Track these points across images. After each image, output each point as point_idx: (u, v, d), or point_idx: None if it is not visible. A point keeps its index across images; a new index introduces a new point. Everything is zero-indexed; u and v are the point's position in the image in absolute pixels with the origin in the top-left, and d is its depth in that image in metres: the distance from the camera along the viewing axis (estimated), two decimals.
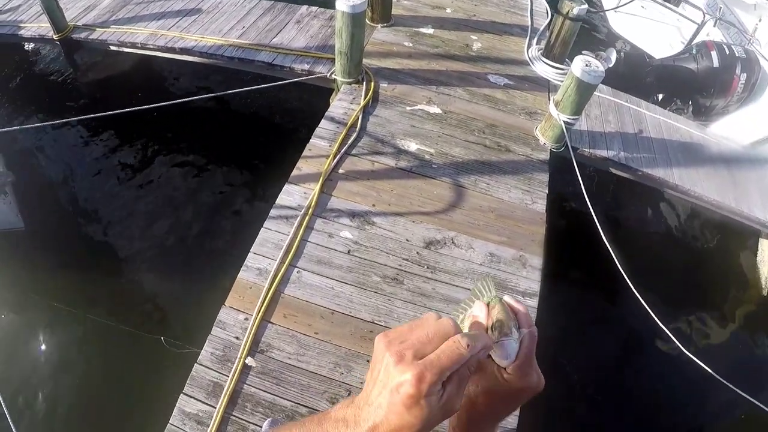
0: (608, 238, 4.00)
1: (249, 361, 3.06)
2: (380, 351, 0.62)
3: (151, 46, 5.96)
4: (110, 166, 5.83)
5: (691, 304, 5.31)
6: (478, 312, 0.74)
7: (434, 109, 4.88)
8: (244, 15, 6.29)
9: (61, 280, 4.48)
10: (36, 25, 6.57)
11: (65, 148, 6.06)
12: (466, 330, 0.70)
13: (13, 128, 5.39)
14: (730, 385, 3.63)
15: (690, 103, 6.83)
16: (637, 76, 7.30)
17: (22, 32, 6.70)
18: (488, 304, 0.74)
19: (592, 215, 4.11)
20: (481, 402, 0.74)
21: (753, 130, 6.19)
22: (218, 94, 5.27)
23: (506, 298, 0.75)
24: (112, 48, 6.27)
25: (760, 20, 7.54)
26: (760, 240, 5.66)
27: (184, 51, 5.83)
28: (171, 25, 6.16)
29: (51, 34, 6.24)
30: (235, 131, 6.22)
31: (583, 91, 4.29)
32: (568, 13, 5.15)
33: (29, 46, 7.36)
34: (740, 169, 5.48)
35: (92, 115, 4.83)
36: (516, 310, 0.73)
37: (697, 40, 7.24)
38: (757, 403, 3.61)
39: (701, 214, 5.80)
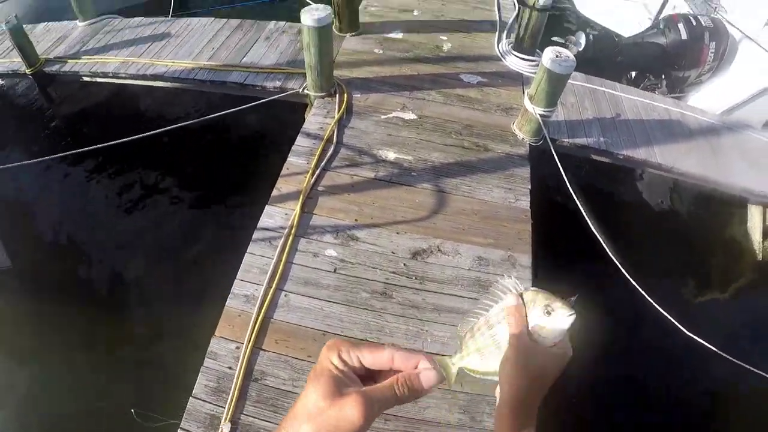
0: (596, 225, 4.01)
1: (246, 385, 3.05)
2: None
3: (123, 75, 5.90)
4: (90, 199, 5.80)
5: (687, 281, 5.35)
6: (511, 303, 0.79)
7: (409, 116, 4.87)
8: (213, 35, 6.23)
9: (46, 317, 4.45)
10: (8, 61, 6.53)
11: (46, 185, 6.01)
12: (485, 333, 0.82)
13: None
14: (734, 360, 3.64)
15: (663, 77, 6.90)
16: (608, 56, 7.33)
17: None
18: (521, 295, 0.80)
19: (577, 204, 4.11)
20: (530, 382, 0.76)
21: (727, 97, 6.30)
22: (191, 122, 5.19)
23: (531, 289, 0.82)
24: (85, 79, 6.23)
25: None
26: (749, 207, 5.71)
27: (155, 77, 5.78)
28: (142, 52, 6.11)
29: (23, 69, 6.17)
30: (212, 155, 6.15)
31: (556, 81, 4.28)
32: (534, 4, 5.15)
33: (2, 82, 7.28)
34: (719, 140, 5.50)
35: (67, 153, 4.80)
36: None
37: (664, 14, 7.31)
38: (762, 373, 3.63)
39: (686, 189, 5.85)
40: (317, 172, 4.21)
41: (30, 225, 5.48)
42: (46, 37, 6.82)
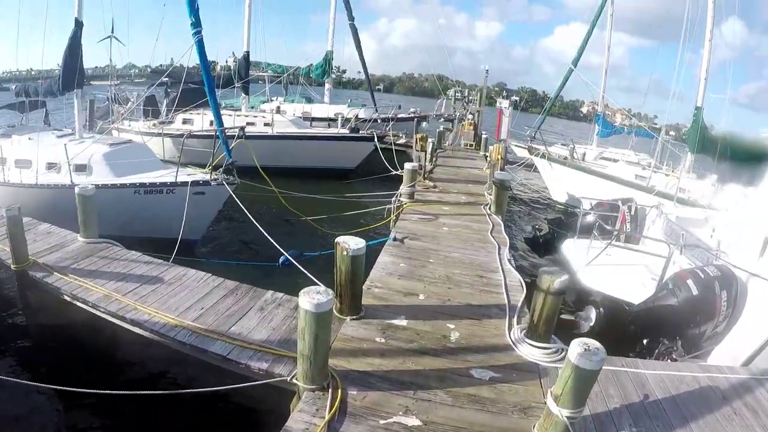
0: None
1: None
2: None
3: (102, 310, 5.75)
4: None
5: None
6: None
7: (413, 421, 4.10)
8: (205, 294, 6.14)
9: None
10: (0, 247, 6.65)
11: None
12: None
13: None
14: None
15: (677, 338, 6.58)
16: (620, 327, 7.11)
17: None
18: None
19: None
20: None
21: (749, 342, 6.00)
22: (161, 392, 4.62)
23: None
24: (65, 298, 6.13)
25: (714, 230, 7.98)
26: None
27: (134, 323, 5.54)
28: (128, 290, 6.04)
29: (9, 261, 6.26)
30: (173, 423, 5.52)
31: (586, 379, 3.69)
32: (549, 288, 4.93)
33: None
34: (755, 395, 4.96)
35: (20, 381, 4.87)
36: None
37: (669, 272, 7.35)
38: None
39: None
40: None
41: None
42: (45, 239, 7.10)
